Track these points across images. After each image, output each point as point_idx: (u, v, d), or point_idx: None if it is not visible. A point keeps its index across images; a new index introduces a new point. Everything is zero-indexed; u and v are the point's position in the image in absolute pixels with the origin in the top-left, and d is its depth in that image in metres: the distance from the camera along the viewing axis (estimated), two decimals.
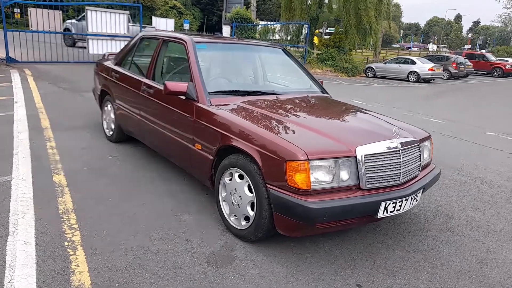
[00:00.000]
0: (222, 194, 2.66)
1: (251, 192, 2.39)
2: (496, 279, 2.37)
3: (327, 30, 36.95)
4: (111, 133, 4.51)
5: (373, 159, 2.28)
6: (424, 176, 2.68)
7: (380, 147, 2.34)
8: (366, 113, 3.16)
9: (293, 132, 2.42)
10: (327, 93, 3.76)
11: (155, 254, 2.32)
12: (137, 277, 2.09)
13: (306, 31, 19.31)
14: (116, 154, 4.16)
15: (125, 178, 3.51)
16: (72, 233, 2.49)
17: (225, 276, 2.17)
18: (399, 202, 2.33)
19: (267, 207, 2.26)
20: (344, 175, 2.20)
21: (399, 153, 2.39)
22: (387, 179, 2.33)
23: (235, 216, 2.57)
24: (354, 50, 22.20)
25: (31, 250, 2.26)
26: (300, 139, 2.27)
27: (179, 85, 2.89)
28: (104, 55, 4.99)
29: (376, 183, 2.28)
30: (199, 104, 2.85)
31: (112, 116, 4.37)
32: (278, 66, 4.06)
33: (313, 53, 20.32)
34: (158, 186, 3.35)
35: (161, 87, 3.22)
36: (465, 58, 23.44)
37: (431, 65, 18.80)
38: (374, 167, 2.27)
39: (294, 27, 20.65)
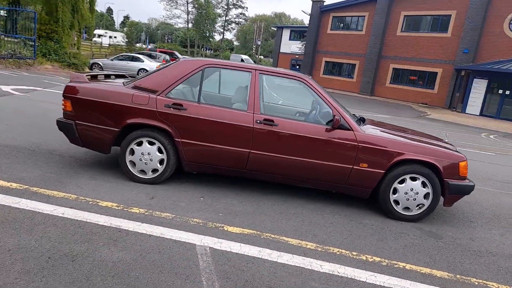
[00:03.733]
0: (394, 195, 3.70)
1: (424, 187, 3.67)
2: None
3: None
4: (155, 174, 3.82)
5: None
6: None
7: None
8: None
9: (438, 145, 3.86)
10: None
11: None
12: None
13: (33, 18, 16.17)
14: (199, 194, 3.73)
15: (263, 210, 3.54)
16: None
17: None
18: None
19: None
20: None
21: None
22: None
23: (409, 207, 3.73)
24: (74, 43, 20.68)
25: None
26: (450, 149, 3.79)
27: (344, 119, 3.55)
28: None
29: None
30: (358, 133, 3.63)
31: (159, 154, 3.71)
32: None
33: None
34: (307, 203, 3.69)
35: (293, 120, 3.70)
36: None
37: (158, 63, 20.79)
38: None
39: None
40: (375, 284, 2.54)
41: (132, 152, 3.79)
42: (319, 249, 2.93)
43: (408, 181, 3.67)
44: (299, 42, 40.71)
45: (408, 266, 2.85)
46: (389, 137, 3.73)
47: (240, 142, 3.68)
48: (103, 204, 3.23)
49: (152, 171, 3.81)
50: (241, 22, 77.83)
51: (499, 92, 19.75)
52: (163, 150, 3.75)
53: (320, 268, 2.64)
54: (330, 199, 4.09)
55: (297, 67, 46.34)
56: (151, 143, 3.76)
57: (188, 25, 62.98)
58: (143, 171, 3.82)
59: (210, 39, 70.35)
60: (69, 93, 3.79)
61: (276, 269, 2.56)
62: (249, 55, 60.85)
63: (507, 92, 19.39)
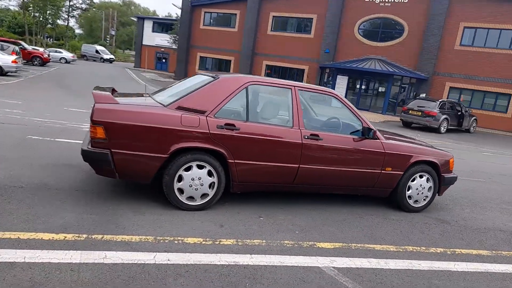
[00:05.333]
0: (408, 192, 4.40)
1: (428, 182, 4.49)
2: None
3: None
4: (205, 199, 3.62)
5: None
6: None
7: None
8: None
9: (431, 147, 4.69)
10: None
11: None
12: None
13: None
14: (254, 215, 3.69)
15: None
16: None
17: None
18: None
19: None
20: None
21: None
22: None
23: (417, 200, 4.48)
24: None
25: None
26: (439, 150, 4.68)
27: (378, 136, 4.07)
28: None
29: None
30: (383, 141, 4.18)
31: (209, 178, 3.54)
32: None
33: None
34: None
35: (332, 133, 4.01)
36: None
37: (13, 57, 17.54)
38: None
39: None
40: (464, 271, 3.11)
41: (180, 178, 3.48)
42: (399, 250, 3.36)
43: (418, 178, 4.41)
44: (167, 34, 39.62)
45: (454, 251, 3.54)
46: (403, 143, 4.40)
47: (290, 158, 3.78)
48: (191, 241, 2.95)
49: (201, 197, 3.58)
50: (87, 8, 70.48)
51: (357, 86, 23.55)
52: (214, 173, 3.57)
53: (420, 267, 3.08)
54: (347, 201, 4.53)
55: (163, 60, 45.12)
56: (200, 167, 3.52)
57: (23, 9, 53.48)
58: (191, 198, 3.56)
59: (52, 26, 61.52)
60: (102, 117, 3.22)
61: (408, 275, 2.89)
62: (103, 46, 55.88)
63: (363, 87, 23.28)
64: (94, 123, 3.20)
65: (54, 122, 7.00)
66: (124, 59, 61.09)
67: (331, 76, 24.61)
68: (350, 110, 4.17)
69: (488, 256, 3.47)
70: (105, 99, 3.32)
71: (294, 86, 3.98)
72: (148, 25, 43.85)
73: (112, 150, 3.26)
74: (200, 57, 30.80)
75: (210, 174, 3.56)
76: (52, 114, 7.98)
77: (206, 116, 3.50)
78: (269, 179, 3.82)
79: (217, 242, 3.00)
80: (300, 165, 3.83)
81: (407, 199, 4.43)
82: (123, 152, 3.29)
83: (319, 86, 4.27)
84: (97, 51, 48.45)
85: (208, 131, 3.46)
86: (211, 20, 30.38)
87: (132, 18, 62.05)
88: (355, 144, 4.04)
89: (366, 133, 4.06)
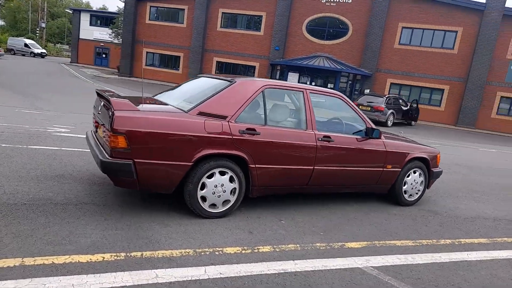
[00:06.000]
0: (404, 187, 4.67)
1: (420, 177, 4.80)
2: None
3: None
4: (227, 206, 3.56)
5: None
6: None
7: None
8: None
9: (421, 145, 5.00)
10: None
11: None
12: None
13: None
14: (274, 218, 3.69)
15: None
16: None
17: None
18: None
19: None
20: None
21: None
22: None
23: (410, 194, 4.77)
24: None
25: None
26: (427, 147, 5.01)
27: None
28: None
29: None
30: (384, 140, 4.40)
31: (231, 184, 3.49)
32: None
33: None
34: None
35: (342, 134, 4.13)
36: None
37: None
38: None
39: None
40: (478, 259, 3.39)
41: (203, 186, 3.37)
42: (417, 244, 3.57)
43: (412, 174, 4.70)
44: (107, 28, 37.56)
45: (459, 241, 3.84)
46: (400, 142, 4.65)
47: (306, 160, 3.83)
48: (231, 251, 2.89)
49: (222, 203, 3.50)
50: None
51: (307, 83, 24.23)
52: (235, 179, 3.51)
53: (442, 259, 3.31)
54: (345, 199, 4.70)
55: (103, 55, 42.72)
56: (222, 173, 3.44)
57: None
58: (213, 205, 3.47)
59: None
60: (123, 126, 3.00)
61: (436, 268, 3.07)
62: (32, 39, 51.38)
63: (313, 83, 24.02)
64: (115, 132, 2.98)
65: (14, 127, 6.34)
66: (57, 53, 56.83)
67: (283, 74, 25.05)
68: (355, 111, 4.31)
69: (488, 244, 3.82)
70: (124, 106, 3.10)
71: (306, 89, 4.03)
72: (85, 18, 41.17)
73: (135, 160, 3.06)
74: (147, 52, 29.65)
75: (231, 180, 3.49)
76: (5, 117, 7.23)
77: (228, 121, 3.42)
78: (287, 182, 3.84)
79: (255, 250, 2.96)
80: (315, 167, 3.89)
81: (403, 194, 4.70)
82: (147, 161, 3.11)
83: (326, 89, 4.36)
84: (26, 45, 44.55)
85: (231, 137, 3.39)
86: (158, 15, 29.35)
87: (67, 10, 57.69)
88: (361, 144, 4.20)
89: (370, 133, 4.23)
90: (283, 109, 4.01)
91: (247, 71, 27.19)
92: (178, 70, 28.90)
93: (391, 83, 24.47)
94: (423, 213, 4.58)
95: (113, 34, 34.23)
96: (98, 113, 3.57)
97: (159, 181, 3.25)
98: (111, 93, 3.53)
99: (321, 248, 3.18)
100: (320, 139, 3.89)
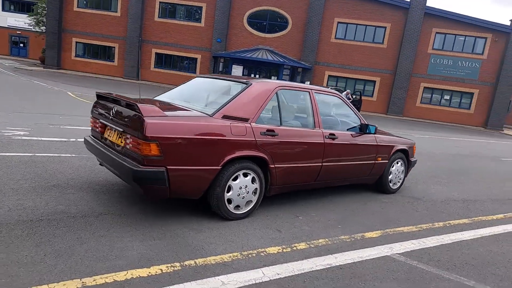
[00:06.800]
0: (390, 176, 5.08)
1: (401, 166, 5.26)
2: None
3: None
4: (249, 206, 3.61)
5: None
6: None
7: None
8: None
9: (400, 137, 5.43)
10: None
11: None
12: None
13: None
14: (290, 215, 3.81)
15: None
16: None
17: None
18: None
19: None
20: None
21: None
22: None
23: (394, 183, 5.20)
24: None
25: None
26: (405, 139, 5.47)
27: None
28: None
29: None
30: (375, 135, 4.74)
31: (253, 185, 3.54)
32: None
33: None
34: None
35: (342, 131, 4.36)
36: None
37: None
38: None
39: None
40: (474, 238, 3.85)
41: (229, 188, 3.38)
42: (420, 228, 3.95)
43: (395, 165, 5.13)
44: (25, 15, 34.10)
45: (445, 223, 4.32)
46: (386, 136, 5.03)
47: (316, 157, 4.01)
48: (273, 251, 2.96)
49: (246, 204, 3.55)
50: None
51: (251, 76, 24.46)
52: (256, 180, 3.56)
53: (450, 240, 3.71)
54: (339, 191, 4.99)
55: (21, 45, 38.75)
56: (245, 175, 3.48)
57: None
58: (238, 207, 3.49)
59: None
60: (156, 133, 2.89)
61: (448, 249, 3.44)
62: None
63: (257, 76, 24.31)
64: (147, 139, 2.85)
65: None
66: None
67: (227, 66, 24.96)
68: (350, 108, 4.58)
69: (471, 224, 4.34)
70: (153, 112, 2.97)
71: (311, 89, 4.18)
72: None
73: (168, 167, 2.97)
74: (76, 43, 27.51)
75: (253, 181, 3.54)
76: None
77: (250, 124, 3.45)
78: (300, 179, 3.98)
79: (294, 248, 3.07)
80: (323, 163, 4.08)
81: (389, 183, 5.12)
82: (179, 168, 3.03)
83: (325, 88, 4.55)
84: None
85: (254, 139, 3.43)
86: (87, 2, 27.30)
87: None
88: (358, 139, 4.48)
89: (365, 129, 4.52)
90: (293, 109, 4.12)
91: (189, 63, 26.63)
92: (113, 61, 27.31)
93: (329, 76, 25.73)
94: (407, 200, 5.03)
95: (33, 22, 31.16)
96: (111, 119, 3.35)
97: (190, 187, 3.18)
98: (126, 97, 3.35)
99: (347, 240, 3.38)
100: (326, 136, 4.08)
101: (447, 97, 25.46)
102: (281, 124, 3.75)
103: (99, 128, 3.63)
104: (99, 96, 3.75)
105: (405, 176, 5.39)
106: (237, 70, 24.07)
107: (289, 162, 3.77)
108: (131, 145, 3.02)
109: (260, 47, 25.21)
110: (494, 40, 24.11)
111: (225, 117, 3.34)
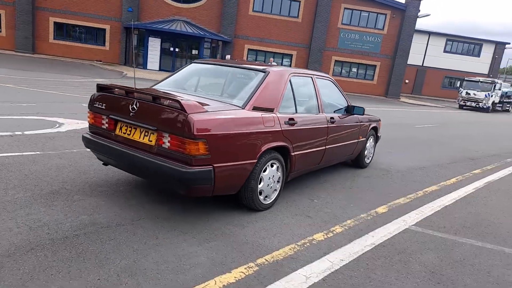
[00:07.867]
0: (365, 152, 5.51)
1: (373, 142, 5.73)
2: None
3: None
4: (275, 195, 3.63)
5: None
6: None
7: None
8: None
9: (371, 115, 5.84)
10: None
11: None
12: None
13: None
14: (306, 200, 3.96)
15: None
16: None
17: None
18: None
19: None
20: None
21: None
22: None
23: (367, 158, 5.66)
24: None
25: None
26: (374, 116, 5.92)
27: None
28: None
29: None
30: (358, 116, 5.06)
31: (278, 174, 3.58)
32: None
33: None
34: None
35: (339, 115, 4.56)
36: None
37: None
38: None
39: None
40: (457, 199, 4.46)
41: (260, 180, 3.36)
42: (410, 198, 4.42)
43: (369, 141, 5.57)
44: None
45: (421, 193, 4.92)
46: (364, 116, 5.38)
47: (321, 142, 4.16)
48: (319, 238, 3.09)
49: (272, 194, 3.57)
50: None
51: (171, 49, 23.25)
52: (280, 168, 3.60)
53: (443, 203, 4.24)
54: (329, 169, 5.26)
55: None
56: (271, 165, 3.48)
57: None
58: (266, 197, 3.50)
59: None
60: (203, 130, 2.71)
61: (446, 212, 3.93)
62: None
63: (177, 50, 23.21)
64: (194, 138, 2.67)
65: None
66: None
67: (143, 39, 23.27)
68: (340, 91, 4.79)
69: (441, 190, 5.00)
70: (196, 108, 2.76)
71: (313, 75, 4.25)
72: None
73: (215, 165, 2.83)
74: (55, 23, 22.86)
75: (277, 170, 3.56)
76: None
77: (276, 114, 3.43)
78: (310, 163, 4.11)
79: (335, 232, 3.22)
80: (326, 147, 4.26)
81: (364, 158, 5.56)
82: (223, 165, 2.91)
83: (320, 72, 4.64)
84: None
85: (280, 129, 3.43)
86: None
87: None
88: (347, 120, 4.74)
89: (351, 110, 4.78)
90: (303, 96, 4.15)
91: (96, 34, 24.14)
92: (0, 31, 23.39)
93: (249, 49, 25.83)
94: (382, 172, 5.55)
95: None
96: (131, 115, 3.00)
97: (231, 183, 3.08)
98: (150, 90, 3.03)
99: (367, 218, 3.66)
100: (328, 121, 4.25)
101: (354, 69, 27.70)
102: (296, 112, 3.79)
103: (107, 125, 3.24)
104: (102, 88, 3.31)
105: (375, 150, 5.90)
106: (154, 43, 22.66)
107: (304, 149, 3.85)
108: (170, 144, 2.79)
109: (177, 18, 24.00)
110: (392, 16, 26.71)
111: (255, 108, 3.25)
